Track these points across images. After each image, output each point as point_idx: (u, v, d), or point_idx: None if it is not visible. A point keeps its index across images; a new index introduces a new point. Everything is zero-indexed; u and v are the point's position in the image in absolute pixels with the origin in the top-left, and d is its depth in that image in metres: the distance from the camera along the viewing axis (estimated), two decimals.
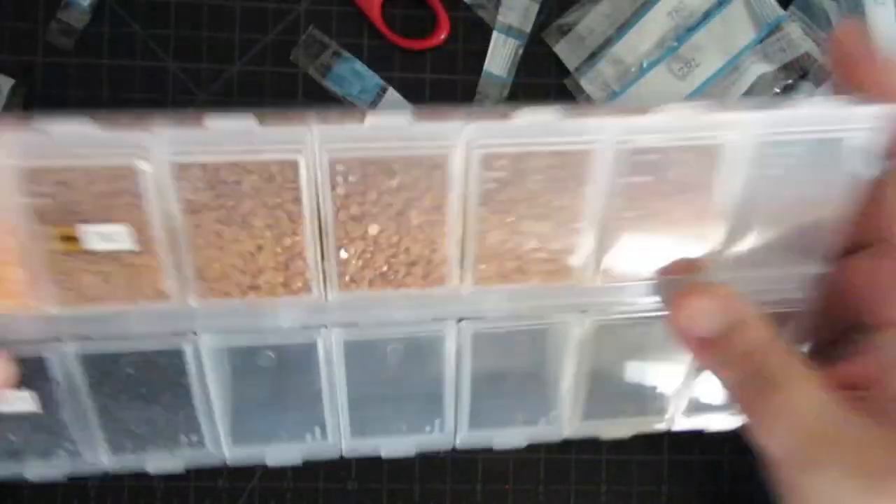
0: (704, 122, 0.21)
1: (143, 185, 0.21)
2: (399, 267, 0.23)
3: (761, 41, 0.39)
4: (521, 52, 0.39)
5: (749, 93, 0.39)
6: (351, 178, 0.22)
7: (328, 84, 0.39)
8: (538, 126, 0.21)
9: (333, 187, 0.22)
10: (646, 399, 0.27)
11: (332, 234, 0.23)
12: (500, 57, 0.39)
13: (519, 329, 0.25)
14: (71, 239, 0.22)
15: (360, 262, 0.23)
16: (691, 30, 0.39)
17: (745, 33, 0.39)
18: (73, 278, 0.22)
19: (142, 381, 0.25)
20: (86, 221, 0.22)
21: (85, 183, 0.21)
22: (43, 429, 0.24)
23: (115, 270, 0.22)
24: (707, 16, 0.39)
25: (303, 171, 0.21)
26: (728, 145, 0.22)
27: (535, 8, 0.40)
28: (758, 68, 0.39)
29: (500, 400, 0.26)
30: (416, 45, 0.39)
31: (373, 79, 0.39)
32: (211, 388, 0.24)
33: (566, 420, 0.27)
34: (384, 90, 0.39)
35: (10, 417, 0.24)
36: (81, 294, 0.23)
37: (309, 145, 0.21)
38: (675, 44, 0.38)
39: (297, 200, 0.22)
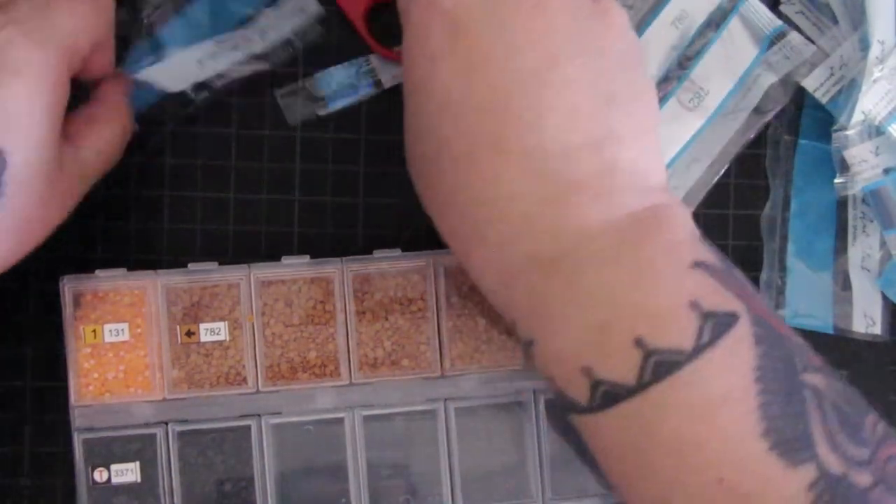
0: None
1: (239, 295, 0.35)
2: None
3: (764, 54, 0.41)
4: None
5: (760, 106, 0.41)
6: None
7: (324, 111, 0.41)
8: None
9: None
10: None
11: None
12: None
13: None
14: (191, 334, 0.35)
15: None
16: (694, 58, 0.41)
17: (748, 51, 0.41)
18: (186, 361, 0.35)
19: (216, 452, 0.34)
20: (201, 321, 0.34)
21: (203, 296, 0.35)
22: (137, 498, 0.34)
23: (214, 352, 0.35)
24: (709, 25, 0.41)
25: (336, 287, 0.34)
26: None
27: None
28: (765, 80, 0.41)
29: (486, 481, 0.36)
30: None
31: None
32: (266, 455, 0.34)
33: None
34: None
35: (116, 489, 0.33)
36: (190, 378, 0.34)
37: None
38: (684, 72, 0.41)
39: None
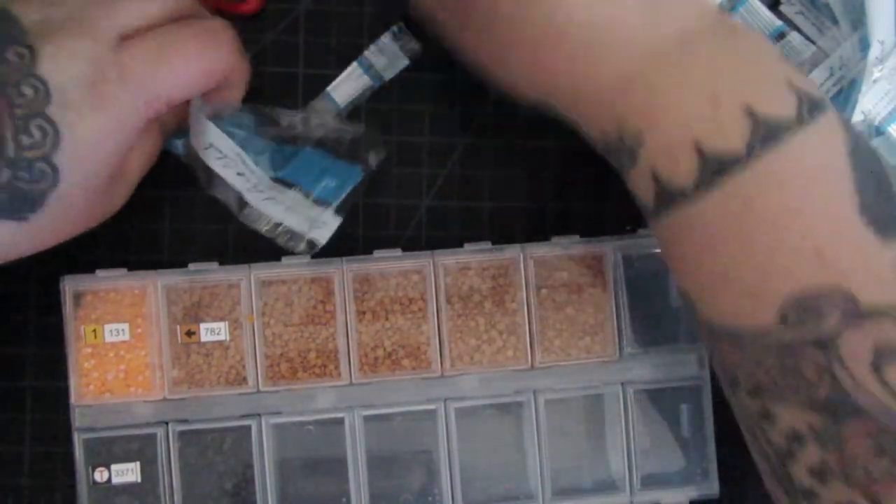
0: None
1: (239, 295, 0.35)
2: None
3: None
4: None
5: None
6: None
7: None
8: None
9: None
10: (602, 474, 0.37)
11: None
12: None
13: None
14: (192, 334, 0.34)
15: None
16: None
17: None
18: (187, 361, 0.35)
19: (216, 452, 0.35)
20: (201, 321, 0.35)
21: (204, 296, 0.35)
22: (137, 498, 0.34)
23: (214, 352, 0.35)
24: None
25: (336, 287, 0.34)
26: None
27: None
28: None
29: (486, 481, 0.36)
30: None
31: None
32: (266, 455, 0.34)
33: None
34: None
35: (116, 489, 0.33)
36: (190, 377, 0.35)
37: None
38: None
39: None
